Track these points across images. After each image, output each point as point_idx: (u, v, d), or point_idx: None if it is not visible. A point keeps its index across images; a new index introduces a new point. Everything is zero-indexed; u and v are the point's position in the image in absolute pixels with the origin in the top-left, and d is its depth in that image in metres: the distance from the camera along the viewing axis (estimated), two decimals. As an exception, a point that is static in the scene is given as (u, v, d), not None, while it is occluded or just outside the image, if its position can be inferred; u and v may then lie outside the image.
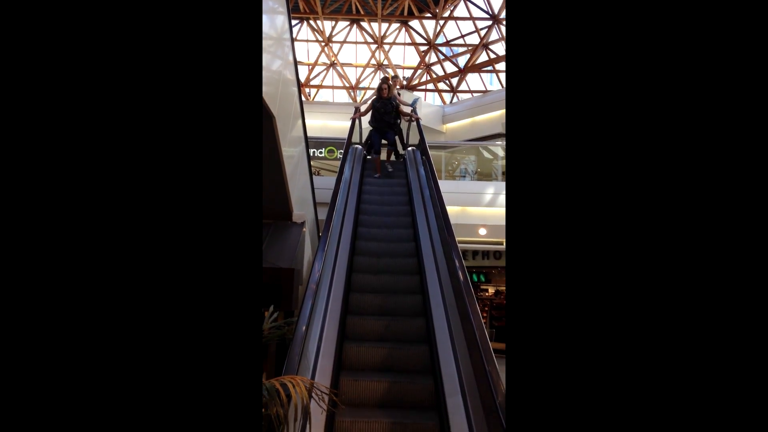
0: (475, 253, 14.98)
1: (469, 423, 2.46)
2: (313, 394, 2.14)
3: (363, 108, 8.16)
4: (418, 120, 7.09)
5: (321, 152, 11.45)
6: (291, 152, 4.81)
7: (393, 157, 7.10)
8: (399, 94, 7.80)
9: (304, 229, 5.02)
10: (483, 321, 2.64)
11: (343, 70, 17.86)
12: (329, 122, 14.59)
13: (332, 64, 17.80)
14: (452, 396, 2.67)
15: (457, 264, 3.18)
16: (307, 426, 2.06)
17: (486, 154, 12.50)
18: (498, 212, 10.10)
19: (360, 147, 7.28)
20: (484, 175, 12.04)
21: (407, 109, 7.68)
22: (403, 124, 7.77)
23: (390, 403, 2.83)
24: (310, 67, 17.60)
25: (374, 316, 3.52)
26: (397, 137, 7.21)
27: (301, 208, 5.26)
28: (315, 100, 17.60)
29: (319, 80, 17.93)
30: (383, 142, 6.80)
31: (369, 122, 6.89)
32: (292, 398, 2.04)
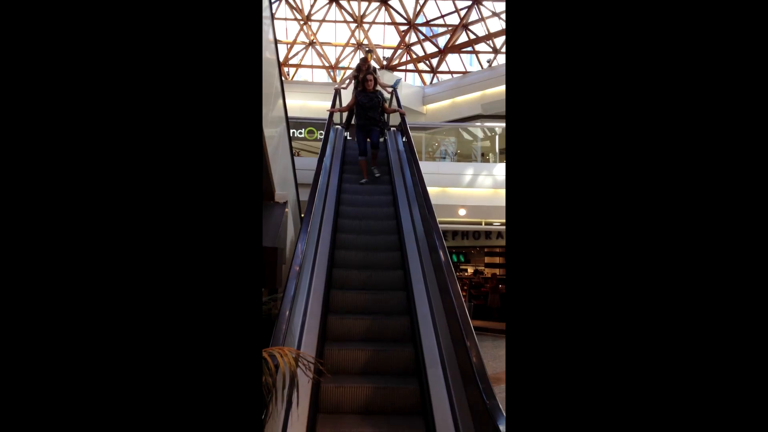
0: (455, 233, 15.21)
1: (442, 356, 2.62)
2: (300, 363, 2.24)
3: (343, 86, 8.07)
4: (402, 115, 6.39)
5: (301, 133, 11.36)
6: (272, 133, 4.79)
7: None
8: (376, 70, 7.59)
9: (287, 210, 5.07)
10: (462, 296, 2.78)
11: (323, 50, 17.63)
12: (309, 102, 14.47)
13: (311, 43, 17.55)
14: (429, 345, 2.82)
15: (437, 238, 3.30)
16: (294, 393, 2.16)
17: (466, 136, 12.61)
18: (477, 193, 10.25)
19: (340, 127, 7.13)
20: (463, 157, 12.17)
21: (392, 99, 7.38)
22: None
23: (373, 369, 2.99)
24: (289, 46, 17.32)
25: (356, 290, 3.67)
26: (383, 137, 6.49)
27: (283, 189, 5.29)
28: (294, 79, 17.38)
29: (297, 59, 17.68)
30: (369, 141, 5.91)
31: (353, 120, 6.18)
32: (279, 367, 2.13)
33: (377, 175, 5.77)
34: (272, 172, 4.68)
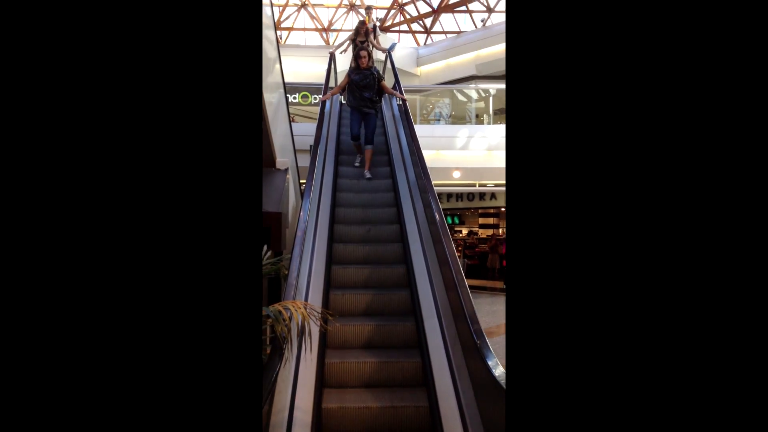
0: (449, 195, 15.43)
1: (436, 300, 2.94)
2: (310, 313, 2.52)
3: (338, 51, 7.78)
4: (405, 101, 5.52)
5: (295, 98, 11.33)
6: (270, 98, 4.81)
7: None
8: (376, 28, 7.43)
9: (288, 176, 5.25)
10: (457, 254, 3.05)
11: (315, 12, 17.31)
12: (302, 66, 14.34)
13: (303, 5, 17.20)
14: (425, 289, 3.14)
15: (431, 198, 3.56)
16: (305, 337, 2.45)
17: (460, 97, 12.64)
18: (471, 155, 10.40)
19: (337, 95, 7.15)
20: (458, 118, 12.24)
21: (385, 63, 7.19)
22: (378, 67, 6.93)
23: (373, 312, 3.32)
24: (281, 8, 16.98)
25: (355, 243, 3.98)
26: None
27: (283, 156, 5.44)
28: (287, 43, 17.14)
29: (290, 23, 17.37)
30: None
31: (346, 101, 5.48)
32: (293, 318, 2.40)
33: (368, 177, 5.00)
34: (273, 139, 4.82)
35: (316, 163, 4.18)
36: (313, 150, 4.37)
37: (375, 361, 2.85)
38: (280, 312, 2.44)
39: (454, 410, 2.44)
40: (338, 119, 6.46)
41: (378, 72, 5.24)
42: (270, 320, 2.44)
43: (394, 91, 5.77)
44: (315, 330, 2.71)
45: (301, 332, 2.49)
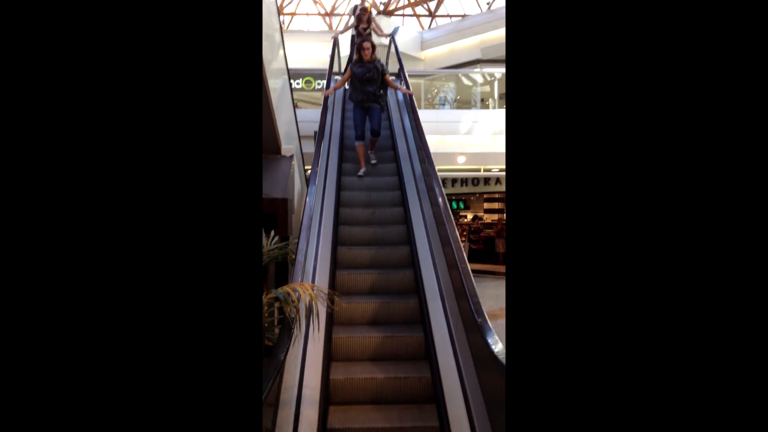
0: (454, 180, 15.46)
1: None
2: (317, 294, 2.62)
3: (341, 36, 7.76)
4: (411, 95, 5.24)
5: (298, 83, 11.32)
6: (275, 85, 4.81)
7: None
8: (373, 20, 7.21)
9: (293, 162, 5.32)
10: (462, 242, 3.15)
11: (318, -4, 17.21)
12: (305, 52, 14.31)
13: (306, -11, 17.10)
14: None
15: (433, 178, 3.65)
16: (312, 317, 2.56)
17: (465, 81, 12.60)
18: (476, 140, 10.41)
19: (339, 77, 7.08)
20: (463, 103, 12.22)
21: (389, 49, 6.95)
22: (382, 52, 6.86)
23: (378, 291, 3.46)
24: (282, -7, 16.89)
25: (361, 225, 4.09)
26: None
27: (288, 142, 5.50)
28: (289, 29, 17.07)
29: (292, 7, 17.28)
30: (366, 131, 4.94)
31: (348, 96, 5.16)
32: (302, 299, 2.51)
33: (374, 162, 4.97)
34: (278, 126, 4.88)
35: (320, 153, 4.25)
36: (317, 145, 4.41)
37: (380, 335, 2.97)
38: (288, 294, 2.54)
39: (456, 381, 2.56)
40: (342, 107, 6.51)
41: (382, 65, 4.92)
42: (279, 302, 2.56)
43: (400, 86, 5.40)
44: (322, 310, 2.82)
45: (309, 312, 2.60)
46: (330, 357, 2.92)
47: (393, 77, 7.16)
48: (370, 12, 6.86)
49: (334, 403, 2.69)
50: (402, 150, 5.25)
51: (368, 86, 4.84)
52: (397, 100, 6.30)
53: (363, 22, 6.62)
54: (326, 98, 5.26)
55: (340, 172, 4.82)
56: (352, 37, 6.72)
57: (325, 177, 4.53)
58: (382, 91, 4.95)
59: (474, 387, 2.44)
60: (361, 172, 4.79)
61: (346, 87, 6.64)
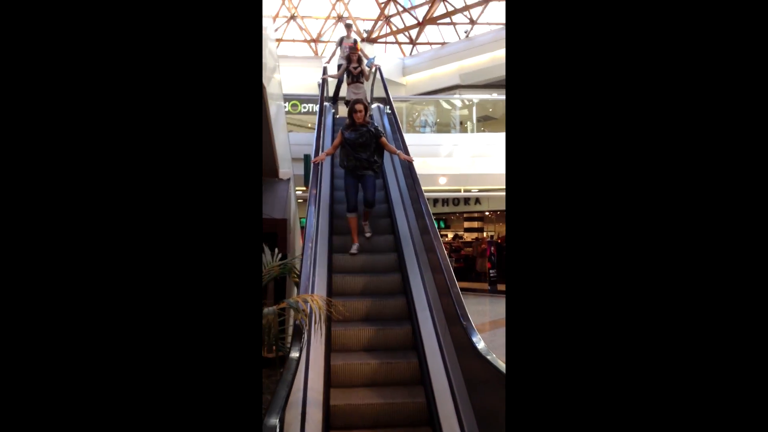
0: (435, 200, 16.00)
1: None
2: (328, 304, 3.03)
3: (329, 66, 7.98)
4: (411, 163, 4.62)
5: (285, 106, 11.71)
6: (271, 109, 4.91)
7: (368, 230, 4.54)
8: (358, 41, 7.09)
9: (291, 185, 5.68)
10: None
11: (304, 23, 17.80)
12: (292, 76, 14.77)
13: (293, 17, 17.70)
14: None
15: (419, 193, 4.14)
16: (319, 324, 2.96)
17: (445, 105, 13.22)
18: (456, 163, 10.93)
19: (327, 105, 7.23)
20: (443, 125, 12.80)
21: (374, 78, 6.97)
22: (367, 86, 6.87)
23: (369, 292, 3.92)
24: (272, 20, 17.39)
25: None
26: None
27: (284, 166, 5.86)
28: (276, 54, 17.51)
29: (279, 33, 17.82)
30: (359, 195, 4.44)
31: (339, 163, 4.61)
32: (312, 309, 2.90)
33: (368, 235, 4.42)
34: (276, 149, 5.22)
35: (315, 184, 4.43)
36: (313, 175, 4.54)
37: (373, 329, 3.44)
38: (298, 303, 2.93)
39: (440, 366, 3.06)
40: (332, 125, 6.86)
41: (376, 128, 4.42)
42: (292, 310, 2.94)
43: (398, 150, 4.66)
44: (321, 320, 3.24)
45: (317, 319, 3.00)
46: (330, 348, 3.35)
47: (380, 105, 7.52)
48: (360, 50, 6.88)
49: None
50: (387, 165, 5.54)
51: (361, 152, 4.32)
52: (383, 125, 6.65)
53: (353, 61, 6.59)
54: (315, 164, 4.60)
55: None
56: (348, 72, 6.72)
57: (319, 198, 4.81)
58: (376, 157, 4.40)
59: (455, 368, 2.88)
60: (354, 249, 4.25)
61: (342, 93, 6.68)
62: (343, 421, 2.85)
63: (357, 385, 3.11)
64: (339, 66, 7.35)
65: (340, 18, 17.67)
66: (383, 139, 4.40)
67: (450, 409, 2.79)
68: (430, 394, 2.95)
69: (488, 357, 2.37)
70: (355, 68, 6.59)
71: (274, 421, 1.57)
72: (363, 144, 4.32)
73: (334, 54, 8.17)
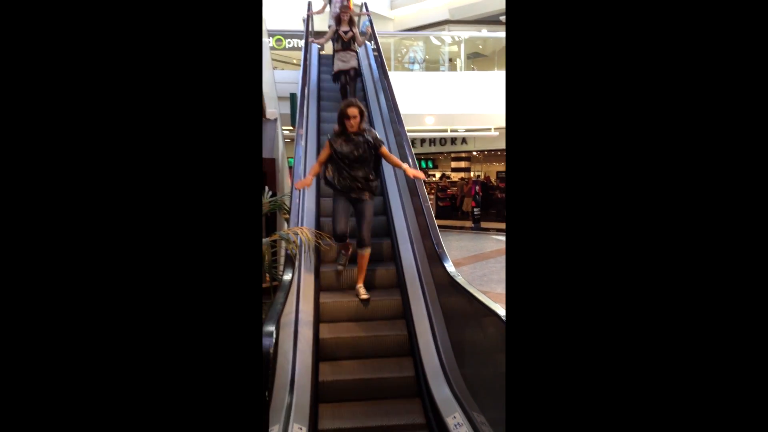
0: (422, 140, 16.04)
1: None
2: (315, 234, 3.28)
3: (315, 8, 7.22)
4: (422, 181, 3.66)
5: (269, 42, 11.42)
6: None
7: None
8: (351, 10, 6.07)
9: (278, 125, 5.76)
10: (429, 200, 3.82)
11: (286, -51, 16.84)
12: (275, 10, 14.22)
13: (274, -58, 16.70)
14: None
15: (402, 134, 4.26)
16: (305, 254, 3.22)
17: (434, 41, 12.97)
18: (444, 102, 10.91)
19: (315, 45, 6.61)
20: (432, 62, 12.61)
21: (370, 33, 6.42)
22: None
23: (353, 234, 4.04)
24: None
25: None
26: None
27: (270, 106, 5.89)
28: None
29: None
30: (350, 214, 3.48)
31: (327, 179, 3.45)
32: (301, 239, 3.14)
33: (364, 297, 3.35)
34: (263, 89, 5.27)
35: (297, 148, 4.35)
36: (300, 110, 4.66)
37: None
38: (288, 235, 3.18)
39: (421, 302, 3.35)
40: (318, 65, 6.77)
41: (375, 136, 3.37)
42: (283, 241, 3.20)
43: (403, 163, 3.46)
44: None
45: (307, 249, 3.26)
46: (319, 287, 3.59)
47: (367, 42, 7.04)
48: (351, 10, 5.97)
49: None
50: (374, 106, 5.57)
51: (357, 169, 3.32)
52: (370, 66, 6.49)
53: (343, 23, 5.60)
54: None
55: (320, 131, 5.20)
56: (338, 36, 5.68)
57: (306, 136, 4.95)
58: (374, 174, 3.41)
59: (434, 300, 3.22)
60: (340, 264, 3.59)
61: (331, 63, 5.91)
62: (332, 352, 3.13)
63: (343, 320, 3.37)
64: (329, 27, 6.26)
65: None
66: (384, 149, 3.38)
67: (428, 340, 3.10)
68: (411, 328, 3.23)
69: (457, 279, 2.72)
70: (346, 33, 5.58)
71: (271, 327, 1.85)
72: (359, 159, 3.30)
73: (323, 10, 7.22)
